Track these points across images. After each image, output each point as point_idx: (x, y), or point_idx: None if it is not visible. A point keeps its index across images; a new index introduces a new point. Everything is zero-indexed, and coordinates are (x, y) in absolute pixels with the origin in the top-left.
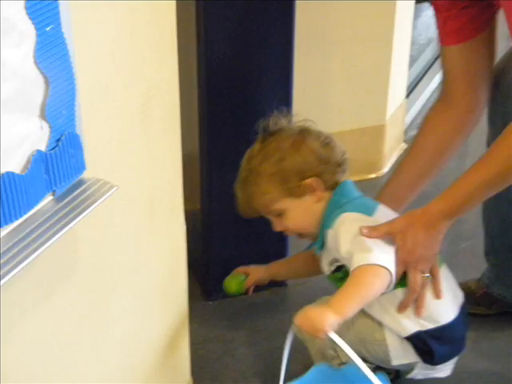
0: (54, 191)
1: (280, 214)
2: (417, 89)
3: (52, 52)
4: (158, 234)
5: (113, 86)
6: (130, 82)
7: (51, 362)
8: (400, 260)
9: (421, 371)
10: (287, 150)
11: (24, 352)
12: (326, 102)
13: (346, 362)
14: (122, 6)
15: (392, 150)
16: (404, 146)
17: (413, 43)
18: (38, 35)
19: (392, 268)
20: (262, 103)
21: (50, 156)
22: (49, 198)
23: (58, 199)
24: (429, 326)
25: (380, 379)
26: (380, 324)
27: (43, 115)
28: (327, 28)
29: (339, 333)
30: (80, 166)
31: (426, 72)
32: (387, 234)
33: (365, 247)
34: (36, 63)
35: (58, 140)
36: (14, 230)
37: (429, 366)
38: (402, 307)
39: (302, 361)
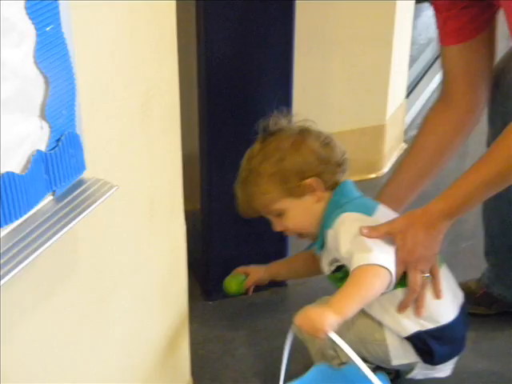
0: (53, 191)
1: (280, 214)
2: (417, 89)
3: (52, 52)
4: (157, 234)
5: (113, 86)
6: (129, 82)
7: (51, 361)
8: (400, 260)
9: (421, 371)
10: (287, 150)
11: (24, 352)
12: (326, 102)
13: (346, 361)
14: (122, 5)
15: (392, 150)
16: (404, 145)
17: (413, 43)
18: (37, 35)
19: (392, 268)
20: (262, 103)
21: (49, 156)
22: (49, 197)
23: (58, 199)
24: (429, 325)
25: (380, 379)
26: (380, 324)
27: (43, 115)
28: (327, 28)
29: (339, 333)
30: (80, 166)
31: (426, 72)
32: (387, 234)
33: (365, 247)
34: (36, 63)
35: (58, 140)
36: (14, 230)
37: (429, 366)
38: (401, 307)
39: (301, 361)
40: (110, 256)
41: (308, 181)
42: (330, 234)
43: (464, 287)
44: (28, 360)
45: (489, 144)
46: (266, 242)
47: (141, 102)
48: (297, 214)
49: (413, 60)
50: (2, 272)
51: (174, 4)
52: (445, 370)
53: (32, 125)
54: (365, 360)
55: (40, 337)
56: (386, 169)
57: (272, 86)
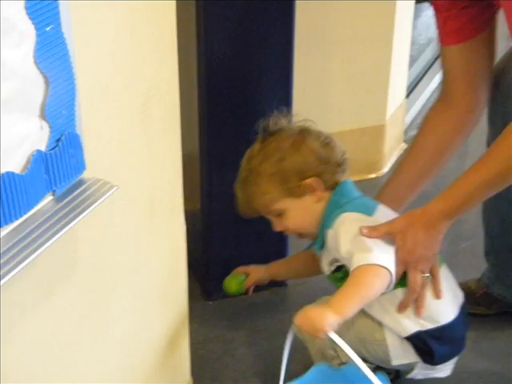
0: (53, 191)
1: (280, 214)
2: (417, 89)
3: (52, 52)
4: (157, 234)
5: (113, 86)
6: (129, 82)
7: (51, 361)
8: (400, 260)
9: (421, 371)
10: (287, 150)
11: (24, 352)
12: (326, 102)
13: (346, 362)
14: (122, 5)
15: (392, 150)
16: (404, 145)
17: (413, 43)
18: (37, 35)
19: (392, 268)
20: (262, 103)
21: (49, 156)
22: (49, 198)
23: (58, 199)
24: (429, 325)
25: (380, 379)
26: (380, 324)
27: (43, 115)
28: (327, 28)
29: (339, 333)
30: (80, 166)
31: (426, 72)
32: (387, 234)
33: (365, 247)
34: (36, 63)
35: (58, 140)
36: (14, 229)
37: (429, 366)
38: (401, 307)
39: (301, 361)
40: (109, 256)
41: (308, 181)
42: (330, 233)
43: (464, 287)
44: (28, 360)
45: (489, 144)
46: (266, 242)
47: (141, 102)
48: (297, 214)
49: (413, 60)
50: (2, 272)
51: (173, 4)
52: (445, 370)
53: (32, 125)
54: (365, 360)
55: (40, 337)
56: (385, 169)
57: (272, 86)
